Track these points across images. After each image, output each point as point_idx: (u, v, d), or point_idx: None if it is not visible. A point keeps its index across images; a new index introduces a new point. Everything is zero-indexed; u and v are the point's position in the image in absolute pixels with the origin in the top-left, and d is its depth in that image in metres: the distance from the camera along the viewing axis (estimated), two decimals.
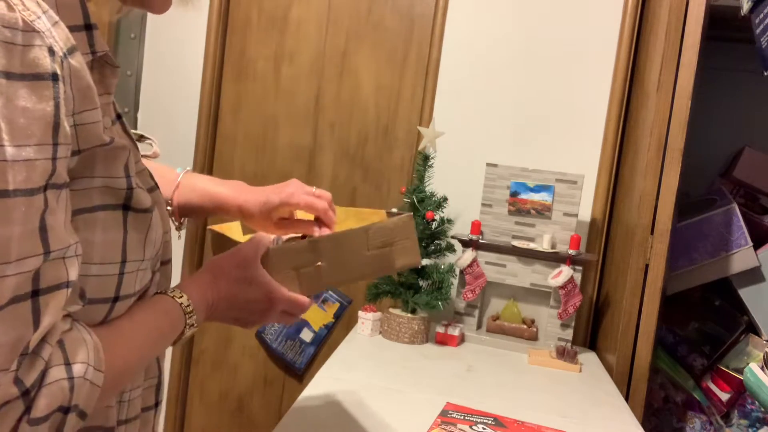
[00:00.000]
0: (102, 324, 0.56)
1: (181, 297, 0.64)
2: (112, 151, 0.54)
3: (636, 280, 1.44)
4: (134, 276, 0.58)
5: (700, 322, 1.73)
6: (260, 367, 2.05)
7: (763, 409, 1.54)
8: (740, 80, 1.91)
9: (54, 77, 0.46)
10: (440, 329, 1.59)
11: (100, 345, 0.52)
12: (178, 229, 0.87)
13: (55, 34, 0.47)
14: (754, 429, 1.57)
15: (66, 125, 0.48)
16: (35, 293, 0.45)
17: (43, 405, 0.45)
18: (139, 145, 0.64)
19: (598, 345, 1.72)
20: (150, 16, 1.99)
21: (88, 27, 0.54)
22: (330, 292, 1.98)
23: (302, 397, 1.12)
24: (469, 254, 1.65)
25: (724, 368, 1.63)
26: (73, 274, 0.49)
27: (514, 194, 1.66)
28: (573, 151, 1.80)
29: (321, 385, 1.19)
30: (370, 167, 1.97)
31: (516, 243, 1.63)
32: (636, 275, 1.44)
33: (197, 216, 0.89)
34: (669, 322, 1.74)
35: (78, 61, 0.49)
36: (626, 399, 1.40)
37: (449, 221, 1.62)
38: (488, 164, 1.69)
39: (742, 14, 1.39)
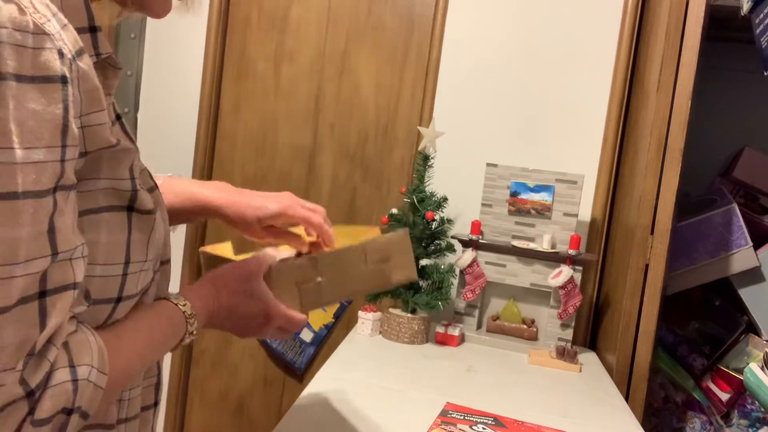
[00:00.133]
0: (105, 326, 0.57)
1: (184, 305, 0.65)
2: (118, 153, 0.55)
3: (636, 280, 1.44)
4: (137, 276, 0.58)
5: (700, 322, 1.73)
6: (260, 367, 2.05)
7: (763, 409, 1.54)
8: (740, 80, 1.91)
9: (63, 80, 0.47)
10: (440, 329, 1.59)
11: (104, 347, 0.52)
12: None
13: (65, 36, 0.48)
14: (754, 429, 1.57)
15: (74, 127, 0.48)
16: (42, 294, 0.46)
17: (47, 406, 0.46)
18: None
19: (598, 345, 1.72)
20: None
21: (93, 29, 0.55)
22: None
23: (302, 397, 1.12)
24: (469, 254, 1.65)
25: (724, 368, 1.63)
26: (80, 276, 0.49)
27: (514, 194, 1.66)
28: (573, 151, 1.80)
29: (321, 385, 1.19)
30: (370, 167, 1.97)
31: (516, 243, 1.63)
32: (636, 275, 1.44)
33: (180, 220, 0.87)
34: (669, 322, 1.74)
35: (86, 63, 0.50)
36: (626, 399, 1.40)
37: (449, 221, 1.62)
38: (488, 164, 1.69)
39: (742, 14, 1.39)
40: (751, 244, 1.60)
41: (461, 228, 1.83)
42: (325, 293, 0.79)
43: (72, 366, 0.48)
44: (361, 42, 1.96)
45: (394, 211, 1.62)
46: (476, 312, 1.68)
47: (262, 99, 2.04)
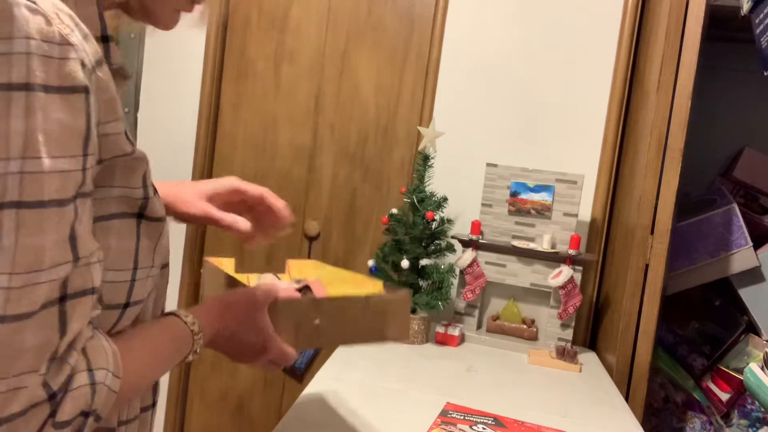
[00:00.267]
0: (113, 333, 0.57)
1: (193, 323, 0.66)
2: (132, 161, 0.56)
3: (636, 280, 1.44)
4: (144, 282, 0.59)
5: (700, 322, 1.73)
6: None
7: (763, 409, 1.54)
8: (740, 80, 1.91)
9: (86, 90, 0.48)
10: (440, 329, 1.59)
11: (118, 352, 0.54)
12: None
13: (86, 46, 0.49)
14: (754, 429, 1.57)
15: (95, 136, 0.49)
16: (63, 299, 0.47)
17: (68, 409, 0.47)
18: None
19: (598, 345, 1.72)
20: None
21: (105, 39, 0.56)
22: None
23: (302, 397, 1.12)
24: (469, 254, 1.65)
25: (724, 368, 1.63)
26: (97, 280, 0.51)
27: (514, 194, 1.66)
28: (573, 151, 1.80)
29: (321, 385, 1.19)
30: (370, 167, 1.97)
31: (516, 243, 1.63)
32: (636, 275, 1.44)
33: None
34: (669, 322, 1.74)
35: (104, 73, 0.51)
36: (626, 399, 1.40)
37: (449, 221, 1.62)
38: (488, 164, 1.69)
39: (742, 14, 1.39)
40: (751, 244, 1.60)
41: (461, 228, 1.83)
42: (320, 337, 0.81)
43: (90, 370, 0.49)
44: (361, 42, 1.96)
45: (394, 211, 1.62)
46: (476, 312, 1.68)
47: (262, 99, 2.04)
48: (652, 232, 1.41)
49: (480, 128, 1.86)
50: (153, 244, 0.60)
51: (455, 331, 1.58)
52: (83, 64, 0.48)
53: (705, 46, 1.37)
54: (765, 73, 1.32)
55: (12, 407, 0.44)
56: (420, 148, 1.67)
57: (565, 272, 1.58)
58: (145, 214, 0.58)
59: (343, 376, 1.24)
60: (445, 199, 1.61)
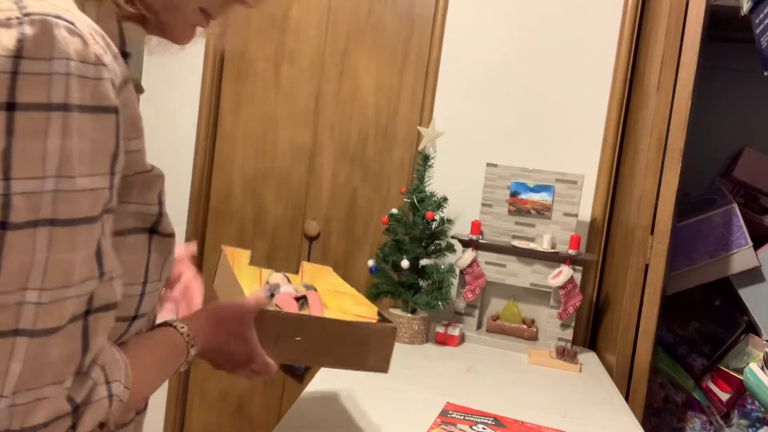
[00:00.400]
0: (119, 345, 0.59)
1: (188, 335, 0.67)
2: (150, 178, 0.57)
3: (636, 280, 1.44)
4: (152, 296, 0.61)
5: (700, 322, 1.73)
6: None
7: (763, 409, 1.54)
8: (740, 80, 1.91)
9: (116, 110, 0.49)
10: (440, 329, 1.59)
11: (129, 364, 0.55)
12: None
13: (115, 66, 0.50)
14: (754, 429, 1.57)
15: (122, 155, 0.51)
16: (87, 313, 0.49)
17: (88, 421, 0.49)
18: None
19: (598, 345, 1.72)
20: None
21: (124, 54, 0.57)
22: None
23: (302, 397, 1.12)
24: (469, 254, 1.65)
25: (724, 368, 1.63)
26: (119, 294, 0.53)
27: (514, 194, 1.66)
28: (573, 151, 1.80)
29: (321, 385, 1.19)
30: (370, 167, 1.97)
31: (516, 243, 1.63)
32: (636, 275, 1.44)
33: None
34: (669, 322, 1.74)
35: (130, 91, 0.52)
36: (626, 399, 1.40)
37: (449, 221, 1.62)
38: (488, 164, 1.69)
39: (742, 14, 1.39)
40: (751, 244, 1.60)
41: (461, 228, 1.83)
42: (299, 353, 0.81)
43: (107, 382, 0.51)
44: (361, 42, 1.96)
45: (394, 211, 1.62)
46: (476, 312, 1.68)
47: (262, 99, 2.04)
48: (652, 232, 1.41)
49: (480, 128, 1.86)
50: (162, 259, 0.61)
51: (455, 331, 1.58)
52: (113, 84, 0.49)
53: (705, 46, 1.37)
54: (765, 73, 1.32)
55: (36, 418, 0.45)
56: (420, 148, 1.67)
57: (565, 272, 1.58)
58: (157, 230, 0.59)
59: (343, 376, 1.24)
60: (445, 199, 1.61)
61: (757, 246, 1.61)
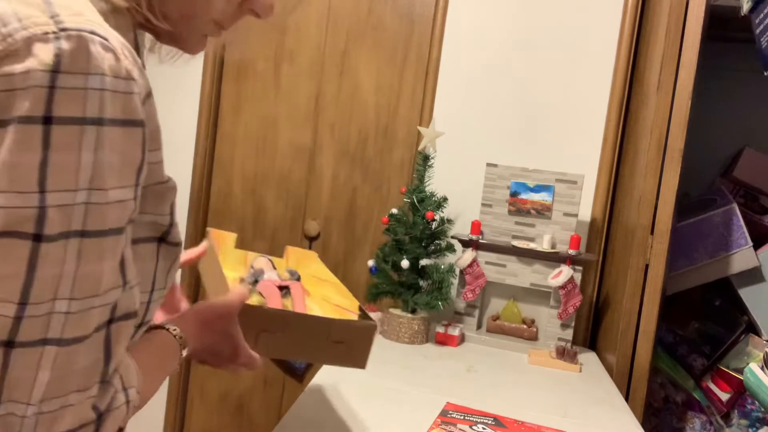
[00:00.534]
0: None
1: (181, 338, 0.68)
2: (162, 190, 0.58)
3: (636, 280, 1.43)
4: (157, 304, 0.62)
5: (700, 322, 1.73)
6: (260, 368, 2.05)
7: (763, 409, 1.54)
8: (740, 80, 1.91)
9: (143, 123, 0.50)
10: (440, 329, 1.59)
11: (138, 368, 0.56)
12: None
13: (141, 80, 0.51)
14: (754, 429, 1.57)
15: (146, 167, 0.52)
16: (110, 322, 0.50)
17: (109, 427, 0.50)
18: None
19: (598, 345, 1.72)
20: None
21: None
22: None
23: (302, 397, 1.12)
24: (469, 254, 1.65)
25: (724, 368, 1.63)
26: (137, 303, 0.54)
27: (514, 194, 1.66)
28: (573, 151, 1.80)
29: (321, 385, 1.19)
30: (370, 167, 1.97)
31: (516, 243, 1.63)
32: (636, 275, 1.44)
33: None
34: (669, 322, 1.74)
35: (152, 104, 0.53)
36: (626, 399, 1.40)
37: (449, 221, 1.62)
38: (488, 164, 1.69)
39: (742, 14, 1.39)
40: (751, 244, 1.60)
41: (461, 228, 1.83)
42: (279, 348, 0.83)
43: (125, 389, 0.52)
44: (361, 42, 1.96)
45: (394, 211, 1.62)
46: (476, 312, 1.68)
47: (262, 99, 2.04)
48: (652, 232, 1.41)
49: (480, 128, 1.86)
50: (168, 267, 0.62)
51: (455, 331, 1.58)
52: (139, 97, 0.50)
53: (705, 46, 1.37)
54: (765, 73, 1.32)
55: (61, 425, 0.47)
56: (420, 148, 1.67)
57: (565, 272, 1.58)
58: (166, 239, 0.60)
59: (343, 376, 1.24)
60: (445, 199, 1.61)
61: (757, 246, 1.61)
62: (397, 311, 1.58)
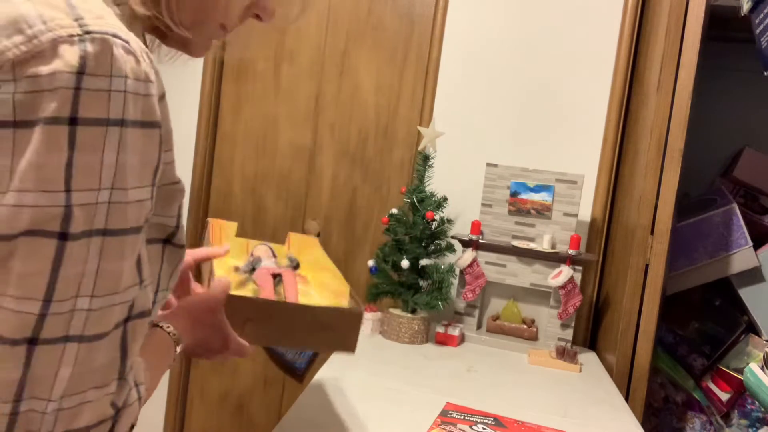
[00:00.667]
0: None
1: (175, 335, 0.70)
2: (172, 191, 0.58)
3: (636, 280, 1.44)
4: (159, 305, 0.62)
5: (700, 322, 1.73)
6: (260, 368, 2.06)
7: (763, 409, 1.54)
8: (740, 80, 1.91)
9: (159, 125, 0.51)
10: (440, 329, 1.59)
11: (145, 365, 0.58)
12: None
13: (157, 83, 0.52)
14: (754, 429, 1.57)
15: (161, 167, 0.53)
16: (127, 320, 0.51)
17: (124, 423, 0.52)
18: None
19: (598, 345, 1.72)
20: None
21: None
22: None
23: (302, 397, 1.12)
24: (469, 254, 1.65)
25: (724, 368, 1.63)
26: (151, 302, 0.55)
27: (514, 194, 1.66)
28: (573, 151, 1.80)
29: (321, 385, 1.19)
30: (370, 167, 1.97)
31: (516, 243, 1.63)
32: (636, 275, 1.44)
33: None
34: (669, 322, 1.74)
35: (166, 106, 0.54)
36: (626, 399, 1.40)
37: (449, 221, 1.62)
38: (488, 164, 1.69)
39: (742, 14, 1.39)
40: (751, 244, 1.60)
41: (461, 228, 1.83)
42: (266, 336, 0.84)
43: (137, 385, 0.54)
44: (361, 42, 1.96)
45: (394, 211, 1.62)
46: (476, 312, 1.68)
47: (262, 99, 2.04)
48: (652, 232, 1.41)
49: (480, 128, 1.86)
50: (171, 269, 0.62)
51: (455, 331, 1.58)
52: (157, 99, 0.51)
53: (705, 46, 1.37)
54: (765, 73, 1.32)
55: (80, 421, 0.48)
56: (420, 148, 1.67)
57: (565, 272, 1.58)
58: (171, 240, 0.61)
59: (343, 376, 1.24)
60: (445, 199, 1.61)
61: (757, 246, 1.61)
62: (397, 311, 1.58)
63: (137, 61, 0.49)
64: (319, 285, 0.96)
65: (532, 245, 1.62)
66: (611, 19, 1.76)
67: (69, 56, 0.45)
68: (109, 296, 0.48)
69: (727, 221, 1.62)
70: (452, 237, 1.66)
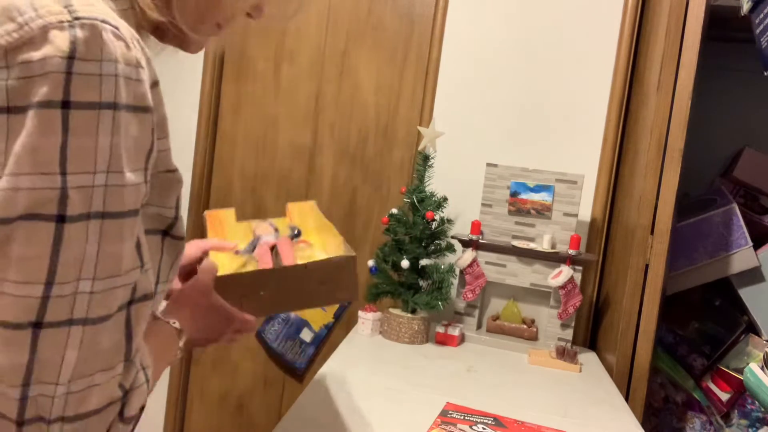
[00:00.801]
0: None
1: (175, 324, 0.70)
2: (169, 180, 0.59)
3: (636, 280, 1.44)
4: (160, 297, 0.63)
5: (700, 322, 1.73)
6: (260, 367, 2.05)
7: (763, 409, 1.54)
8: (740, 80, 1.91)
9: (151, 110, 0.52)
10: (440, 329, 1.59)
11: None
12: None
13: (148, 70, 0.53)
14: (754, 429, 1.57)
15: (155, 152, 0.54)
16: (130, 303, 0.52)
17: (135, 405, 0.52)
18: None
19: (598, 345, 1.72)
20: None
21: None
22: None
23: (302, 397, 1.12)
24: (469, 254, 1.65)
25: (724, 368, 1.63)
26: (152, 286, 0.55)
27: (514, 194, 1.66)
28: (573, 151, 1.80)
29: (321, 385, 1.19)
30: (370, 167, 1.97)
31: (516, 243, 1.63)
32: (636, 275, 1.44)
33: None
34: (669, 322, 1.74)
35: (158, 93, 0.55)
36: (626, 399, 1.40)
37: (449, 221, 1.62)
38: (488, 164, 1.69)
39: (742, 14, 1.39)
40: (751, 244, 1.60)
41: (461, 228, 1.83)
42: (266, 306, 0.83)
43: (144, 368, 0.54)
44: (361, 42, 1.96)
45: (394, 211, 1.62)
46: (476, 312, 1.68)
47: (262, 99, 2.04)
48: (652, 232, 1.41)
49: (480, 128, 1.86)
50: (171, 261, 0.63)
51: (455, 331, 1.58)
52: (148, 85, 0.52)
53: (705, 46, 1.37)
54: (765, 73, 1.32)
55: (89, 404, 0.48)
56: (420, 148, 1.67)
57: (565, 272, 1.58)
58: (170, 232, 0.61)
59: (343, 376, 1.24)
60: (445, 199, 1.61)
61: (757, 246, 1.61)
62: (397, 311, 1.58)
63: (127, 46, 0.49)
64: (322, 246, 0.96)
65: (532, 245, 1.62)
66: (611, 19, 1.76)
67: (59, 41, 0.46)
68: (111, 278, 0.49)
69: (727, 221, 1.62)
70: (452, 237, 1.66)
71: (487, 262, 1.66)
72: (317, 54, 1.99)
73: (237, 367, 2.07)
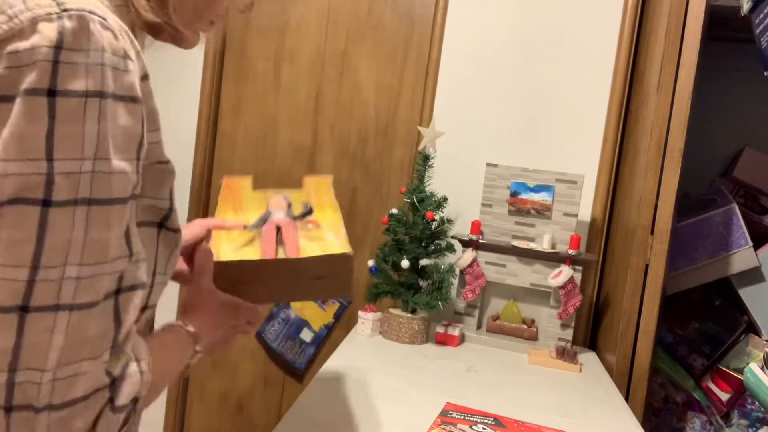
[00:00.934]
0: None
1: (193, 332, 0.70)
2: (161, 171, 0.59)
3: (636, 280, 1.43)
4: (160, 288, 0.63)
5: (700, 322, 1.73)
6: (260, 367, 2.06)
7: (763, 409, 1.54)
8: (740, 80, 1.91)
9: (140, 101, 0.53)
10: (440, 329, 1.59)
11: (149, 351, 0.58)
12: None
13: (138, 61, 0.54)
14: (754, 429, 1.57)
15: (146, 143, 0.54)
16: (118, 291, 0.52)
17: (125, 394, 0.52)
18: None
19: (598, 345, 1.72)
20: None
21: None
22: None
23: (302, 397, 1.12)
24: (469, 254, 1.65)
25: (724, 368, 1.63)
26: (144, 277, 0.55)
27: (514, 194, 1.66)
28: (573, 151, 1.80)
29: (321, 385, 1.19)
30: (370, 167, 1.97)
31: (516, 243, 1.63)
32: (636, 275, 1.44)
33: None
34: (669, 322, 1.74)
35: (148, 86, 0.55)
36: (626, 399, 1.40)
37: (449, 221, 1.62)
38: (488, 164, 1.69)
39: (742, 14, 1.39)
40: (751, 244, 1.60)
41: (461, 228, 1.83)
42: (259, 295, 0.83)
43: (138, 360, 0.54)
44: (361, 42, 1.96)
45: (394, 211, 1.62)
46: (476, 312, 1.68)
47: (262, 99, 2.04)
48: (652, 232, 1.41)
49: (480, 128, 1.86)
50: (168, 253, 0.63)
51: (455, 331, 1.58)
52: (137, 77, 0.52)
53: (705, 46, 1.37)
54: (765, 73, 1.32)
55: (76, 392, 0.48)
56: (420, 148, 1.67)
57: (565, 272, 1.58)
58: (165, 224, 0.62)
59: (343, 376, 1.24)
60: (445, 199, 1.61)
61: (757, 246, 1.61)
62: (397, 311, 1.58)
63: (115, 37, 0.50)
64: (331, 227, 0.95)
65: (532, 245, 1.62)
66: (611, 19, 1.76)
67: (47, 32, 0.47)
68: (98, 265, 0.49)
69: (727, 221, 1.62)
70: (452, 237, 1.66)
71: (487, 262, 1.66)
72: (317, 54, 1.99)
73: (237, 367, 2.07)
